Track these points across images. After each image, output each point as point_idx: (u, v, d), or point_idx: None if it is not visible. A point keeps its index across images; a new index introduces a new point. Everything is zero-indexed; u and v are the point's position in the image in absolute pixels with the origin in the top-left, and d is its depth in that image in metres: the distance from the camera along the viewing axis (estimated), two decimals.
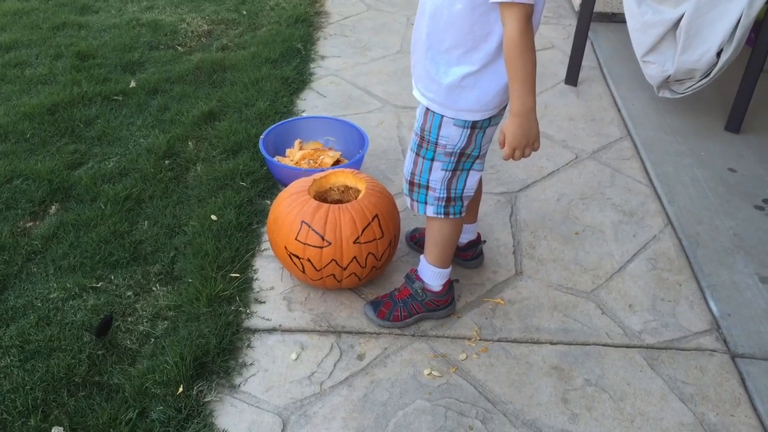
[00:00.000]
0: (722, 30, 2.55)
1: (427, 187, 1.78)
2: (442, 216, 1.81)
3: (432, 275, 1.89)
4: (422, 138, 1.73)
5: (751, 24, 2.52)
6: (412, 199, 1.83)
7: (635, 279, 2.09)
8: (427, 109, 1.69)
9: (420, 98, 1.72)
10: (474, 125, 1.67)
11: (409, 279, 1.93)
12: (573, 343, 1.87)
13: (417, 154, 1.76)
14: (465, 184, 1.78)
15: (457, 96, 1.63)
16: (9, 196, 2.29)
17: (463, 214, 1.82)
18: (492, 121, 1.69)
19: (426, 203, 1.80)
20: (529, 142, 1.59)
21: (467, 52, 1.58)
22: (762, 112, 2.92)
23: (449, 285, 1.92)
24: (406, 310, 1.90)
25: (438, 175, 1.76)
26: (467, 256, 2.11)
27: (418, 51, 1.67)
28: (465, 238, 2.09)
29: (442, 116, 1.67)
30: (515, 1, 1.44)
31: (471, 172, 1.77)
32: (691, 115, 2.90)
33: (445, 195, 1.78)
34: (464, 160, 1.74)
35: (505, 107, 1.69)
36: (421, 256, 1.91)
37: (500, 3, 1.46)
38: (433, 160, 1.74)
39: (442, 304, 1.92)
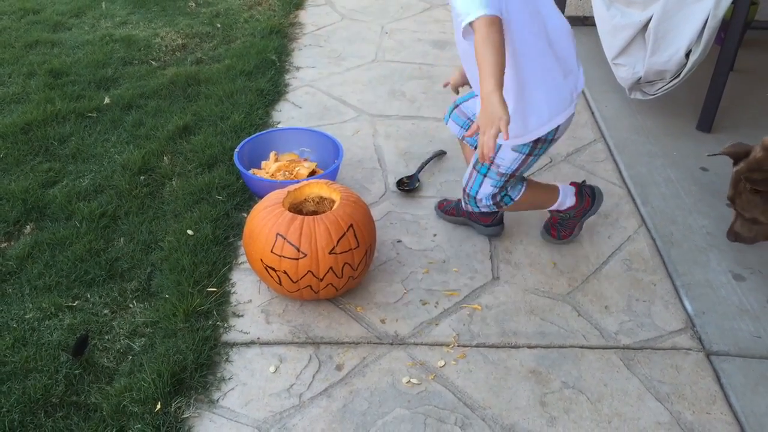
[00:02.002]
0: (690, 31, 2.59)
1: (476, 198, 2.03)
2: (496, 209, 2.06)
3: (559, 204, 2.15)
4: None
5: (719, 24, 2.56)
6: (464, 203, 2.08)
7: (611, 280, 2.11)
8: None
9: None
10: (530, 152, 1.93)
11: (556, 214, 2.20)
12: (550, 346, 1.89)
13: (473, 167, 2.00)
14: (511, 191, 2.03)
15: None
16: None
17: (519, 195, 2.03)
18: (547, 147, 1.94)
19: (478, 207, 2.06)
20: (493, 122, 1.61)
21: None
22: (733, 110, 2.96)
23: (578, 192, 2.16)
24: (566, 229, 2.22)
25: (486, 191, 2.00)
26: (487, 221, 2.23)
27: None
28: None
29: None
30: (474, 19, 1.61)
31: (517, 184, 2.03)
32: (663, 115, 2.94)
33: (491, 203, 2.03)
34: (513, 180, 2.00)
35: (556, 131, 1.92)
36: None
37: (468, 24, 1.63)
38: (485, 176, 1.98)
39: (587, 205, 2.18)
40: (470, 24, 1.63)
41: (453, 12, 1.77)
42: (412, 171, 2.56)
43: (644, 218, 2.37)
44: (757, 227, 2.05)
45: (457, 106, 2.17)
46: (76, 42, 3.47)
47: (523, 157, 1.93)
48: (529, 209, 2.15)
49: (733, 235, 2.12)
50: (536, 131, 1.88)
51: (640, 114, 2.95)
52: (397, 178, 2.50)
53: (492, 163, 1.96)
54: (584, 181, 2.19)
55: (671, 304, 2.03)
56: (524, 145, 1.91)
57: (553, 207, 2.15)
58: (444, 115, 2.27)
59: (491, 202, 2.03)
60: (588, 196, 2.17)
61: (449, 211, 2.33)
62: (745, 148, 2.06)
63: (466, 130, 2.08)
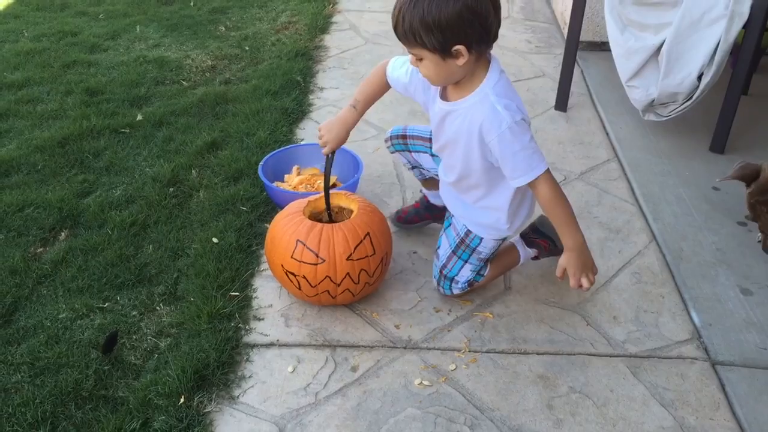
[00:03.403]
0: (702, 54, 2.66)
1: (452, 280, 2.07)
2: (468, 288, 2.09)
3: (524, 257, 2.20)
4: (463, 241, 2.03)
5: (730, 48, 2.63)
6: (438, 284, 2.11)
7: (620, 292, 2.17)
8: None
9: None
10: (504, 239, 2.08)
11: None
12: (559, 353, 1.95)
13: (453, 253, 2.05)
14: (482, 270, 2.10)
15: None
16: (21, 223, 2.40)
17: (486, 273, 2.09)
18: None
19: (451, 289, 2.09)
20: (588, 269, 1.85)
21: None
22: (746, 133, 3.01)
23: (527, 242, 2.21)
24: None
25: (465, 274, 2.06)
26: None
27: None
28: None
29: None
30: (539, 174, 1.76)
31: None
32: (676, 136, 3.00)
33: (467, 283, 2.08)
34: (489, 260, 2.09)
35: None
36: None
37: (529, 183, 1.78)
38: (466, 261, 2.05)
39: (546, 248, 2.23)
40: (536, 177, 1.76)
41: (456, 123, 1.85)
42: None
43: (655, 234, 2.43)
44: None
45: (404, 137, 2.24)
46: (112, 63, 3.63)
47: (500, 242, 2.07)
48: (500, 274, 2.18)
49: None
50: (518, 230, 2.07)
51: (653, 135, 3.02)
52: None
53: (474, 251, 2.05)
54: (528, 234, 2.21)
55: (679, 315, 2.09)
56: None
57: (522, 261, 2.18)
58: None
59: (466, 283, 2.07)
60: (539, 240, 2.20)
61: (410, 219, 2.39)
62: (754, 168, 2.12)
63: (412, 167, 2.24)
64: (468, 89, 1.78)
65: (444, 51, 1.65)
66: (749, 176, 2.21)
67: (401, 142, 2.24)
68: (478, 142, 1.81)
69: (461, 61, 1.68)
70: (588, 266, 1.85)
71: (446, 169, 2.04)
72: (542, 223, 2.19)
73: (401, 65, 1.99)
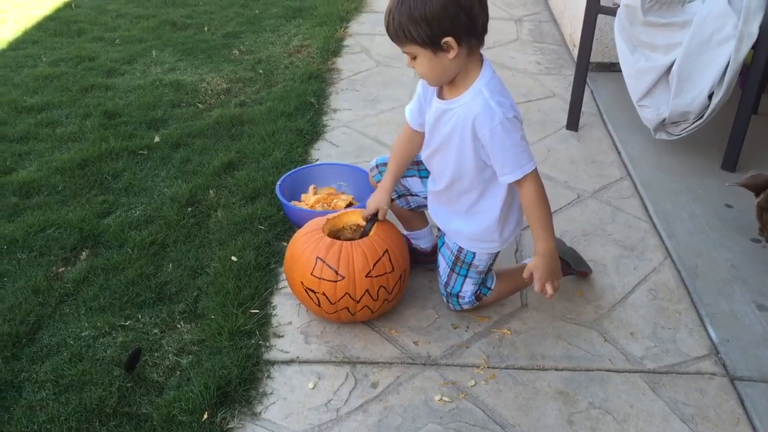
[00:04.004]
0: (712, 74, 2.70)
1: (458, 296, 2.10)
2: (477, 303, 2.12)
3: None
4: (458, 257, 2.06)
5: (740, 68, 2.67)
6: (447, 301, 2.14)
7: (636, 309, 2.19)
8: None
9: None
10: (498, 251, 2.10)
11: None
12: (577, 369, 1.96)
13: (452, 270, 2.08)
14: (486, 281, 2.13)
15: None
16: (43, 243, 2.44)
17: (494, 285, 2.12)
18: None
19: (459, 305, 2.12)
20: (555, 276, 1.92)
21: None
22: (756, 151, 3.04)
23: None
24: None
25: (468, 288, 2.09)
26: (435, 260, 2.24)
27: None
28: (428, 243, 2.30)
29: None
30: (527, 173, 1.82)
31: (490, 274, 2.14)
32: (688, 155, 3.03)
33: (473, 297, 2.10)
34: (490, 272, 2.12)
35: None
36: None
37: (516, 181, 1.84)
38: (466, 276, 2.08)
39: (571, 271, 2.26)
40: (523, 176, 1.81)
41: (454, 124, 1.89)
42: None
43: (669, 251, 2.45)
44: None
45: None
46: (129, 86, 3.69)
47: (495, 255, 2.10)
48: (511, 293, 2.21)
49: None
50: (507, 241, 2.06)
51: (665, 154, 3.05)
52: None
53: (471, 265, 2.08)
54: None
55: (696, 331, 2.10)
56: None
57: None
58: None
59: (473, 297, 2.10)
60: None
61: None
62: (764, 178, 2.14)
63: (398, 196, 2.22)
64: (462, 87, 1.85)
65: (434, 44, 1.72)
66: (759, 186, 2.24)
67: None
68: (472, 138, 1.85)
69: (452, 54, 1.74)
70: (555, 273, 1.91)
71: (437, 177, 2.06)
72: (562, 247, 2.21)
73: (410, 104, 2.06)
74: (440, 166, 2.01)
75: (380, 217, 2.13)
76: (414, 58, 1.79)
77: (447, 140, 1.92)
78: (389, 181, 2.13)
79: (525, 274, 1.92)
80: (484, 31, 1.78)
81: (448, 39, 1.71)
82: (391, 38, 1.78)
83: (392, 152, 2.14)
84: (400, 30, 1.72)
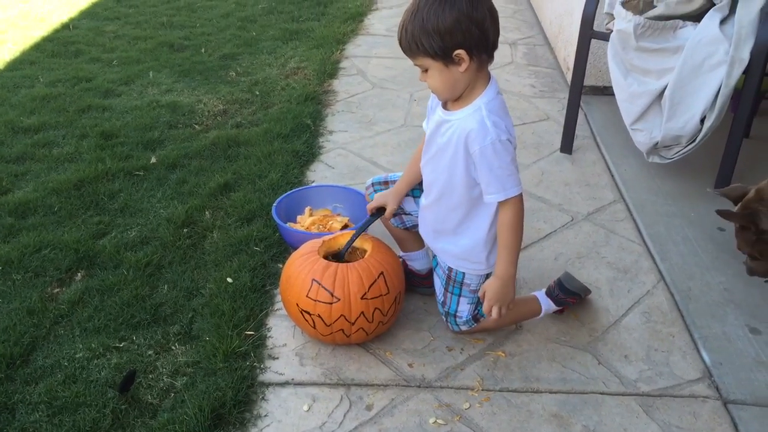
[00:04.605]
0: (704, 98, 2.73)
1: (455, 315, 2.11)
2: (475, 325, 2.12)
3: (545, 311, 2.22)
4: (449, 276, 2.07)
5: (731, 93, 2.70)
6: (446, 321, 2.16)
7: (630, 331, 2.19)
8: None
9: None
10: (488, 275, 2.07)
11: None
12: (571, 392, 1.97)
13: (446, 290, 2.11)
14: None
15: None
16: (38, 264, 2.44)
17: None
18: None
19: (457, 324, 2.13)
20: (505, 302, 1.92)
21: None
22: (748, 175, 3.06)
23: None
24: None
25: (464, 308, 2.10)
26: (430, 283, 2.27)
27: None
28: (423, 264, 2.30)
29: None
30: (509, 197, 1.86)
31: None
32: (681, 178, 3.06)
33: (470, 317, 2.11)
34: None
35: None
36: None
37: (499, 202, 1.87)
38: (460, 295, 2.10)
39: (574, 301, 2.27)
40: (506, 199, 1.84)
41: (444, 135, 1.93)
42: None
43: (663, 274, 2.46)
44: (756, 263, 2.18)
45: (386, 183, 2.26)
46: (126, 107, 3.71)
47: (486, 276, 2.09)
48: (513, 323, 2.21)
49: (749, 270, 2.30)
50: (493, 266, 2.02)
51: (658, 177, 3.07)
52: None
53: (462, 284, 2.09)
54: (557, 295, 2.20)
55: (689, 354, 2.11)
56: None
57: (542, 315, 2.20)
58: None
59: (470, 317, 2.11)
60: (569, 298, 2.21)
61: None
62: (742, 190, 2.19)
63: (392, 215, 2.23)
64: (465, 102, 1.88)
65: (446, 56, 1.75)
66: (736, 197, 2.30)
67: (383, 188, 2.27)
68: (464, 153, 1.88)
69: (463, 67, 1.77)
70: (505, 299, 1.93)
71: (428, 188, 2.07)
72: (567, 279, 2.21)
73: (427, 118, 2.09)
74: (432, 176, 2.03)
75: (386, 214, 2.17)
76: (425, 71, 1.82)
77: (442, 151, 1.95)
78: (402, 184, 2.17)
79: (480, 293, 1.97)
80: (495, 46, 1.82)
81: (460, 51, 1.74)
82: (403, 51, 1.81)
83: (411, 159, 2.16)
84: (413, 42, 1.75)
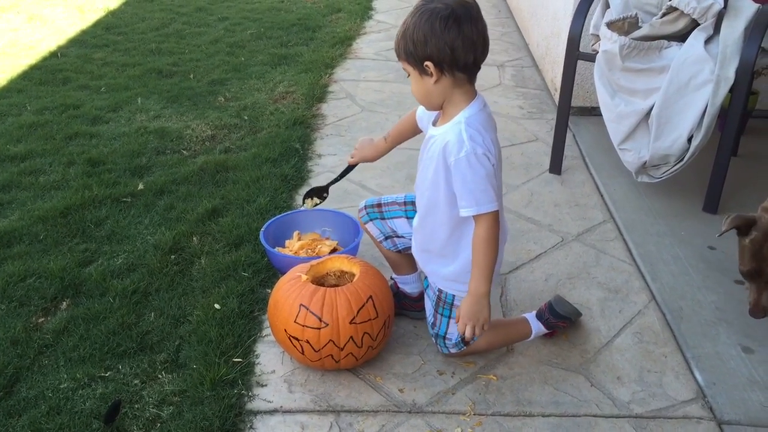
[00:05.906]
0: (691, 118, 2.74)
1: (444, 338, 2.10)
2: (464, 347, 2.10)
3: (535, 333, 2.20)
4: (439, 298, 2.07)
5: (718, 111, 2.71)
6: (435, 343, 2.14)
7: (622, 352, 2.17)
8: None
9: None
10: None
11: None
12: (564, 415, 1.94)
13: (436, 311, 2.10)
14: None
15: None
16: (23, 293, 2.40)
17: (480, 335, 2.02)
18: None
19: (447, 347, 2.11)
20: (479, 321, 1.91)
21: None
22: (738, 193, 3.07)
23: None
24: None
25: (454, 330, 2.07)
26: (420, 307, 2.27)
27: None
28: (415, 288, 2.29)
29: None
30: (486, 212, 1.84)
31: None
32: (670, 197, 3.06)
33: (460, 339, 2.08)
34: None
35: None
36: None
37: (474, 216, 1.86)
38: (449, 317, 2.08)
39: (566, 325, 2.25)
40: (478, 215, 1.84)
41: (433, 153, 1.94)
42: None
43: (654, 294, 2.45)
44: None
45: (379, 205, 2.27)
46: (113, 134, 3.70)
47: None
48: (503, 345, 2.18)
49: (762, 311, 2.14)
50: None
51: (647, 196, 3.07)
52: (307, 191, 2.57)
53: (452, 305, 2.08)
54: (548, 318, 2.17)
55: (682, 375, 2.09)
56: None
57: (532, 337, 2.18)
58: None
59: (460, 339, 2.08)
60: (560, 322, 2.20)
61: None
62: (747, 218, 2.16)
63: (385, 238, 2.26)
64: (449, 118, 1.90)
65: (418, 65, 1.82)
66: (744, 227, 2.21)
67: (376, 210, 2.27)
68: (444, 167, 1.89)
69: (433, 80, 1.82)
70: (478, 317, 1.90)
71: (418, 206, 2.09)
72: (558, 302, 2.19)
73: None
74: (419, 192, 2.04)
75: (356, 158, 2.34)
76: (408, 75, 1.88)
77: (426, 166, 1.97)
78: (383, 146, 2.27)
79: (456, 313, 1.96)
80: (471, 68, 1.84)
81: (428, 63, 1.79)
82: (395, 53, 1.89)
83: (396, 125, 2.27)
84: (399, 45, 1.84)
